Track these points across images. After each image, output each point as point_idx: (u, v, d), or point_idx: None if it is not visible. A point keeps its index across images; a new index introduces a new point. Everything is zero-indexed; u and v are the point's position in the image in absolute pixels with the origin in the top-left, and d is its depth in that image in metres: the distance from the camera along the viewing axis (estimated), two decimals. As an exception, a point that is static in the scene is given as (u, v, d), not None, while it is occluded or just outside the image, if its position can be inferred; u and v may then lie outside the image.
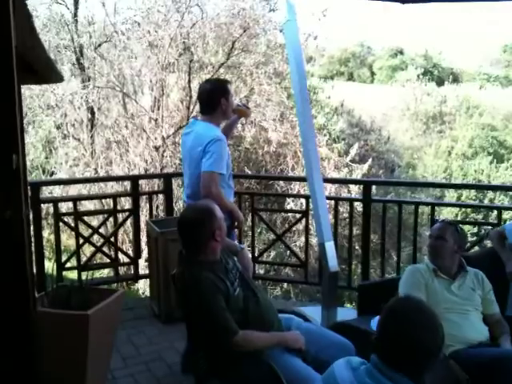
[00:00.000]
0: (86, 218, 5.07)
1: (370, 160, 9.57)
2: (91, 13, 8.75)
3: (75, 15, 8.74)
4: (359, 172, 9.02)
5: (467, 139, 20.25)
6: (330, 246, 3.97)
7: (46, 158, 10.32)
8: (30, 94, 9.61)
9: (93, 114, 9.07)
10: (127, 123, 8.72)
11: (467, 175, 18.34)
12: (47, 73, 4.62)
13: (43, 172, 10.81)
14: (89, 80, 8.76)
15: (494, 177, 18.15)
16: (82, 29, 8.76)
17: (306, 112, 4.02)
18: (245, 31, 8.41)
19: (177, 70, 8.76)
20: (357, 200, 4.78)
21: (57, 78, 5.23)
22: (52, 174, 10.55)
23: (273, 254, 7.58)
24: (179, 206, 7.22)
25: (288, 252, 6.43)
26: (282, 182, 9.05)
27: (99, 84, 8.72)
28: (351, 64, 39.00)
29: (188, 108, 8.59)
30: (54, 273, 5.01)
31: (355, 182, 5.42)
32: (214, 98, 3.18)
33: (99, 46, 9.19)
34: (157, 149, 8.28)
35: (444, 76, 31.39)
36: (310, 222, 4.95)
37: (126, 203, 6.67)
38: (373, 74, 38.11)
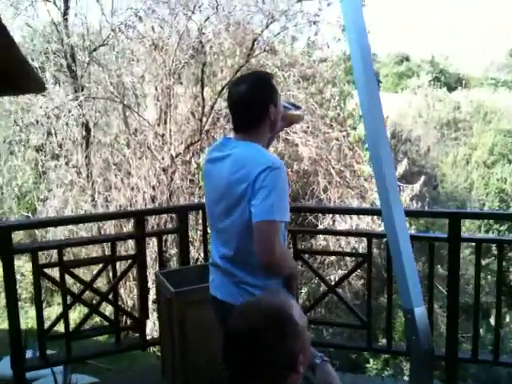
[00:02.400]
0: (76, 269, 4.10)
1: (423, 178, 8.51)
2: (84, 10, 7.85)
3: (65, 14, 7.83)
4: (410, 193, 7.97)
5: (487, 146, 19.87)
6: (421, 313, 2.91)
7: (35, 182, 9.38)
8: (15, 108, 8.73)
9: (88, 130, 8.12)
10: (129, 140, 7.76)
11: (489, 185, 17.89)
12: (25, 81, 3.80)
13: (37, 199, 9.94)
14: (82, 90, 7.82)
15: (519, 186, 17.90)
16: (73, 30, 7.85)
17: (376, 113, 2.92)
18: (267, 27, 7.46)
19: (186, 75, 7.81)
20: (440, 239, 3.74)
21: (37, 87, 4.35)
22: (46, 199, 9.66)
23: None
24: (197, 250, 6.19)
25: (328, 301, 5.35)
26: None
27: (95, 95, 7.79)
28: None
29: (200, 120, 7.62)
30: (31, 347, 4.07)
31: (441, 214, 4.39)
32: (257, 107, 2.16)
33: (94, 50, 8.29)
34: (164, 170, 7.29)
35: (451, 82, 31.79)
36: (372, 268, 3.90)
37: (128, 247, 5.67)
38: (379, 81, 38.49)
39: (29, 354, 4.24)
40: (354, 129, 7.88)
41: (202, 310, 3.44)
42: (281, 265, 2.08)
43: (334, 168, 8.00)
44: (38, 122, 7.64)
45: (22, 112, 8.57)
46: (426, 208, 8.47)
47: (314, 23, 7.32)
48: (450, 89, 27.27)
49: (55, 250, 4.47)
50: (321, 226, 7.64)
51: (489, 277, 9.68)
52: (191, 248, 6.79)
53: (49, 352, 4.04)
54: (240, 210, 2.11)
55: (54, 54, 8.01)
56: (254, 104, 2.16)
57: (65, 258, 6.34)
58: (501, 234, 15.42)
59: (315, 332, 5.54)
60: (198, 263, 6.06)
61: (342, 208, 6.45)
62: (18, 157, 9.41)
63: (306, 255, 4.18)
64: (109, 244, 4.22)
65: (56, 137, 8.30)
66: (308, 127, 7.51)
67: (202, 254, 6.77)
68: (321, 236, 7.49)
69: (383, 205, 2.92)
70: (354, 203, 7.69)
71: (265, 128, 2.21)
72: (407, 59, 37.73)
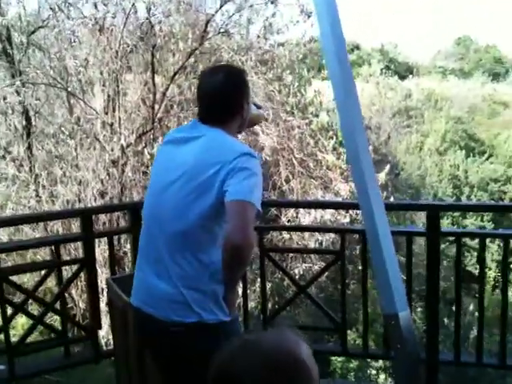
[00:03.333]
0: (16, 277, 3.71)
1: (388, 167, 8.36)
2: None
3: (-1, -7, 7.22)
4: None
5: (439, 133, 20.65)
6: (406, 318, 2.69)
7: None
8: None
9: (28, 119, 7.55)
10: (74, 130, 7.25)
11: (442, 171, 18.58)
12: None
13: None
14: (20, 75, 7.24)
15: (471, 172, 18.61)
16: (8, 9, 7.26)
17: (351, 101, 2.69)
18: (221, 7, 7.11)
19: (135, 59, 7.38)
20: (418, 234, 3.55)
21: None
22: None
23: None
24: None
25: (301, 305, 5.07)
26: (274, 198, 7.78)
27: (35, 80, 7.23)
28: (308, 61, 39.36)
29: (152, 108, 7.21)
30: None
31: (419, 207, 4.21)
32: (232, 101, 2.02)
33: (33, 32, 7.70)
34: (114, 162, 6.85)
35: (401, 70, 33.03)
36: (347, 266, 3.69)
37: (78, 245, 5.27)
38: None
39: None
40: (317, 116, 7.67)
41: None
42: (248, 257, 1.81)
43: (296, 158, 7.77)
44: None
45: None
46: (392, 198, 8.37)
47: (272, 3, 7.00)
48: (401, 77, 28.21)
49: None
50: (284, 219, 7.40)
51: (445, 262, 9.79)
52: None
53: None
54: (204, 198, 1.84)
55: (-13, 36, 7.38)
56: (230, 97, 2.01)
57: (10, 259, 5.83)
58: (454, 219, 15.88)
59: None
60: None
61: (313, 202, 6.14)
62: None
63: (272, 253, 3.90)
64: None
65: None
66: (268, 115, 7.22)
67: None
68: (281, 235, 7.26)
69: (361, 199, 2.67)
70: (318, 194, 7.50)
71: (234, 124, 2.04)
72: (357, 48, 38.48)
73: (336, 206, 5.52)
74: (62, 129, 7.46)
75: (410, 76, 28.92)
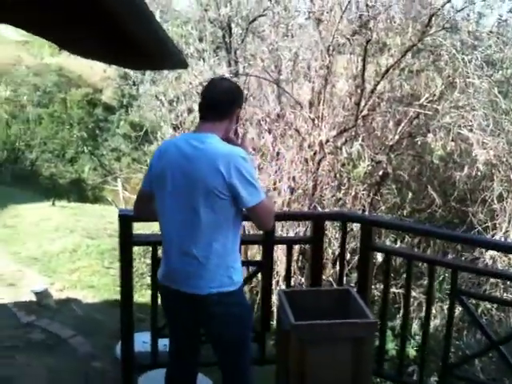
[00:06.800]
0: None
1: None
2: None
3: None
4: None
5: None
6: None
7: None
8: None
9: (238, 108, 7.82)
10: (278, 121, 7.35)
11: None
12: (166, 58, 3.89)
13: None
14: (236, 64, 7.56)
15: None
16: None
17: None
18: (449, 0, 6.48)
19: (347, 53, 7.16)
20: None
21: (176, 63, 4.20)
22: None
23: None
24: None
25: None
26: (481, 216, 6.98)
27: (247, 70, 7.48)
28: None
29: (357, 105, 6.95)
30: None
31: None
32: (229, 101, 2.66)
33: (253, 21, 7.97)
34: (310, 159, 6.78)
35: None
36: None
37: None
38: None
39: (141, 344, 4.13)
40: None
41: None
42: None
43: (515, 173, 6.81)
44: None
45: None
46: None
47: (509, -3, 6.14)
48: None
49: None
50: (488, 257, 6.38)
51: None
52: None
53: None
54: (222, 200, 2.46)
55: (211, 23, 7.83)
56: (227, 98, 2.63)
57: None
58: None
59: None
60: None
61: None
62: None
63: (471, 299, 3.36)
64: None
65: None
66: (488, 125, 6.42)
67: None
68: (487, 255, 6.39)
69: None
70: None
71: (224, 125, 2.63)
72: None
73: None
74: (269, 119, 7.59)
75: None
